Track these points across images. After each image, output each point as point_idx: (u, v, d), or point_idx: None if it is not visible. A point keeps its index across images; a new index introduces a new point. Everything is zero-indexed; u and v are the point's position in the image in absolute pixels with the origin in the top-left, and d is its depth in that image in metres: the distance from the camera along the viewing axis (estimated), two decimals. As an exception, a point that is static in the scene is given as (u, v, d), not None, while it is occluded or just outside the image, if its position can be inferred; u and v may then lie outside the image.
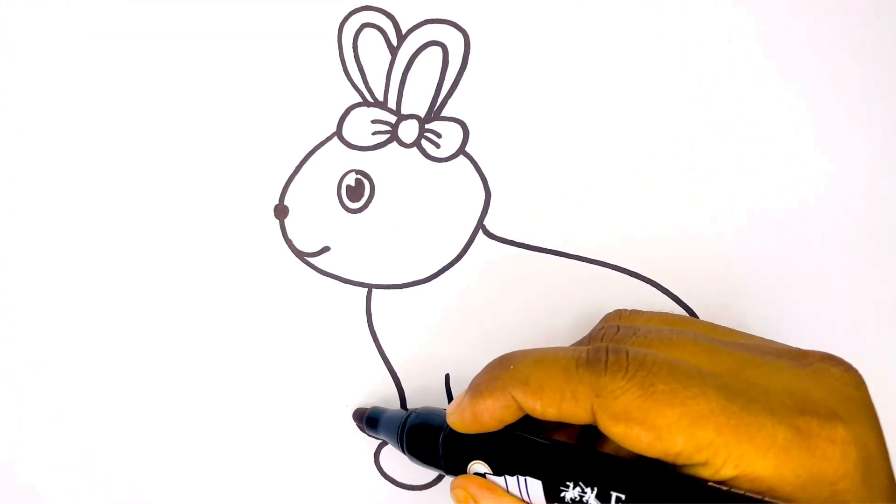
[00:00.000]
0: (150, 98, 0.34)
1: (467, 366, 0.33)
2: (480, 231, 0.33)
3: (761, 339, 0.25)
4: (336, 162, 0.33)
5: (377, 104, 0.33)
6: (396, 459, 0.33)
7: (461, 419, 0.25)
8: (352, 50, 0.33)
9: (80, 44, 0.34)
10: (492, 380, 0.24)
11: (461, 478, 0.25)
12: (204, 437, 0.33)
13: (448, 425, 0.26)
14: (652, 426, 0.21)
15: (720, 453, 0.20)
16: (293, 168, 0.33)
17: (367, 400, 0.33)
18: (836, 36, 0.32)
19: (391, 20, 0.33)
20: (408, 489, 0.33)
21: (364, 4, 0.33)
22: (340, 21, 0.33)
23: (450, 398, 0.33)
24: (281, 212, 0.33)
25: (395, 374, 0.33)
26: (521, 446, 0.24)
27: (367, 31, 0.33)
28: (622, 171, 0.32)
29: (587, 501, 0.22)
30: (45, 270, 0.34)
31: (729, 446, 0.20)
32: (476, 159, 0.33)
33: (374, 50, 0.33)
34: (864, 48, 0.32)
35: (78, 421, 0.34)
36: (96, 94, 0.34)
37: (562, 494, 0.22)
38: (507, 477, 0.24)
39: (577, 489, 0.22)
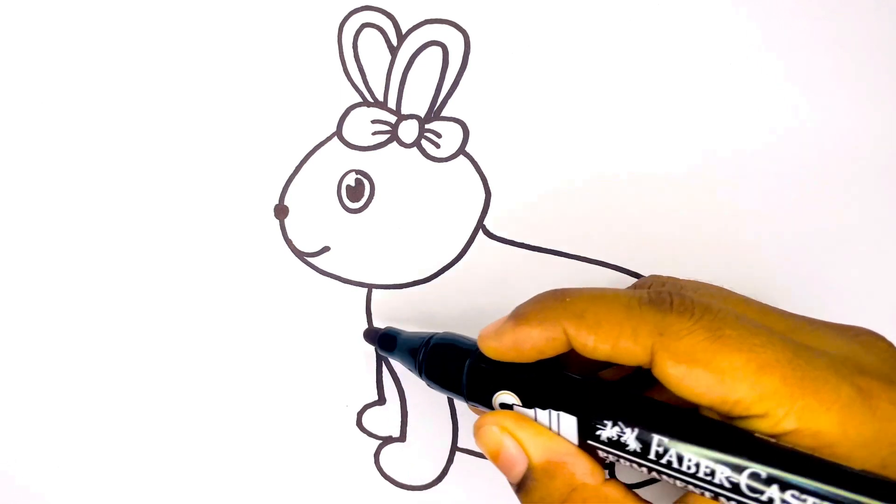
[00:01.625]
0: (150, 98, 0.34)
1: (467, 366, 0.33)
2: (480, 231, 0.33)
3: (802, 316, 0.25)
4: (336, 162, 0.33)
5: (377, 104, 0.33)
6: (396, 459, 0.33)
7: (499, 344, 0.23)
8: (352, 50, 0.33)
9: (80, 44, 0.34)
10: (543, 309, 0.23)
11: (493, 414, 0.23)
12: (204, 438, 0.33)
13: (476, 350, 0.24)
14: (717, 369, 0.20)
15: (783, 404, 0.20)
16: (293, 168, 0.33)
17: (366, 400, 0.33)
18: (839, 35, 0.32)
19: (391, 20, 0.33)
20: (408, 489, 0.33)
21: (364, 4, 0.33)
22: (340, 21, 0.33)
23: (450, 398, 0.33)
24: (281, 212, 0.33)
25: (395, 374, 0.33)
26: (555, 379, 0.23)
27: (367, 31, 0.33)
28: (622, 171, 0.32)
29: (625, 442, 0.21)
30: (44, 271, 0.34)
31: (794, 397, 0.19)
32: (476, 159, 0.33)
33: (374, 50, 0.33)
34: (867, 47, 0.32)
35: (78, 421, 0.34)
36: (96, 94, 0.34)
37: (598, 433, 0.21)
38: (539, 411, 0.23)
39: (616, 428, 0.21)
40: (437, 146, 0.33)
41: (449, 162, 0.33)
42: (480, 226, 0.33)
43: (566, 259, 0.33)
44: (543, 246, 0.33)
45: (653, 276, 0.28)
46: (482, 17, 0.33)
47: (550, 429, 0.22)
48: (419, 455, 0.33)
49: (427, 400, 0.33)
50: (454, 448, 0.33)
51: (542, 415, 0.23)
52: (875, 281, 0.32)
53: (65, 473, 0.34)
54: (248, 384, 0.33)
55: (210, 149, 0.33)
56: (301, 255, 0.33)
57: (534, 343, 0.23)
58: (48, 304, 0.34)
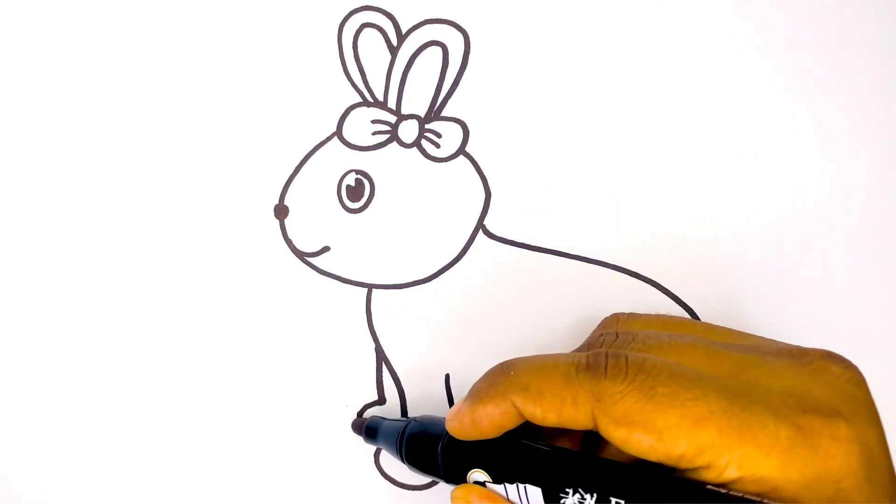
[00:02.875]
0: (150, 98, 0.34)
1: (467, 366, 0.33)
2: (480, 231, 0.33)
3: (761, 338, 0.25)
4: (336, 162, 0.33)
5: (377, 104, 0.33)
6: (396, 459, 0.33)
7: (460, 425, 0.25)
8: (352, 50, 0.33)
9: (79, 44, 0.34)
10: (492, 385, 0.24)
11: (461, 488, 0.25)
12: (204, 438, 0.33)
13: (447, 433, 0.26)
14: (653, 429, 0.21)
15: (723, 454, 0.20)
16: (293, 168, 0.33)
17: (366, 400, 0.33)
18: (837, 37, 0.32)
19: (391, 20, 0.33)
20: (408, 489, 0.33)
21: (364, 4, 0.33)
22: (340, 21, 0.33)
23: (450, 398, 0.33)
24: (281, 212, 0.33)
25: (396, 374, 0.33)
26: (520, 453, 0.24)
27: (367, 31, 0.33)
28: (622, 171, 0.32)
29: None
30: (44, 271, 0.34)
31: (732, 447, 0.20)
32: (476, 159, 0.33)
33: (374, 50, 0.33)
34: (864, 49, 0.32)
35: (78, 422, 0.34)
36: (96, 94, 0.34)
37: (562, 501, 0.22)
38: (507, 485, 0.24)
39: (577, 496, 0.22)
40: (437, 146, 0.33)
41: (449, 162, 0.33)
42: (480, 226, 0.33)
43: (566, 259, 0.33)
44: (543, 246, 0.33)
45: (612, 317, 0.29)
46: (482, 17, 0.33)
47: (520, 501, 0.24)
48: (419, 455, 0.33)
49: (427, 400, 0.33)
50: (454, 448, 0.33)
51: (511, 489, 0.24)
52: (876, 281, 0.32)
53: (65, 473, 0.34)
54: (249, 384, 0.33)
55: (210, 149, 0.33)
56: (301, 255, 0.33)
57: (490, 419, 0.24)
58: (48, 305, 0.34)
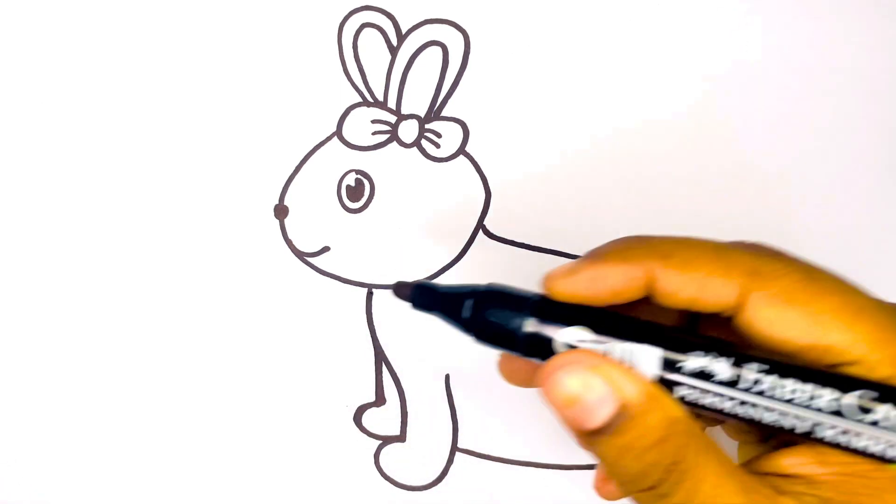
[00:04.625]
0: (150, 98, 0.34)
1: (467, 366, 0.33)
2: (480, 231, 0.33)
3: None
4: (336, 162, 0.33)
5: (377, 104, 0.33)
6: (396, 459, 0.33)
7: (571, 282, 0.21)
8: (352, 50, 0.33)
9: (79, 44, 0.34)
10: (625, 248, 0.22)
11: (568, 354, 0.21)
12: (204, 438, 0.33)
13: (534, 298, 0.22)
14: (812, 311, 0.19)
15: (877, 350, 0.19)
16: (293, 168, 0.33)
17: (366, 400, 0.33)
18: (837, 35, 0.32)
19: (391, 20, 0.33)
20: (408, 489, 0.33)
21: (364, 4, 0.33)
22: (340, 21, 0.33)
23: (450, 398, 0.33)
24: (281, 212, 0.33)
25: (395, 374, 0.33)
26: (631, 315, 0.21)
27: (367, 31, 0.33)
28: (622, 171, 0.32)
29: (713, 372, 0.20)
30: (44, 271, 0.34)
31: (888, 343, 0.19)
32: (476, 159, 0.33)
33: (374, 50, 0.33)
34: (865, 47, 0.32)
35: (77, 421, 0.34)
36: (96, 94, 0.34)
37: (680, 365, 0.20)
38: (616, 344, 0.21)
39: (706, 358, 0.20)
40: (437, 146, 0.33)
41: (449, 162, 0.33)
42: (480, 226, 0.33)
43: (566, 259, 0.32)
44: (543, 246, 0.33)
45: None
46: (482, 17, 0.33)
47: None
48: (419, 455, 0.33)
49: (427, 400, 0.33)
50: (454, 448, 0.33)
51: (618, 349, 0.21)
52: (876, 282, 0.32)
53: (64, 473, 0.34)
54: (249, 384, 0.33)
55: (210, 149, 0.33)
56: (301, 255, 0.33)
57: (612, 284, 0.21)
58: (48, 305, 0.34)
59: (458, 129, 0.33)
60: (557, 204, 0.33)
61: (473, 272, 0.33)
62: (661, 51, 0.32)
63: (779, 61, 0.32)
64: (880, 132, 0.32)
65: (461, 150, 0.33)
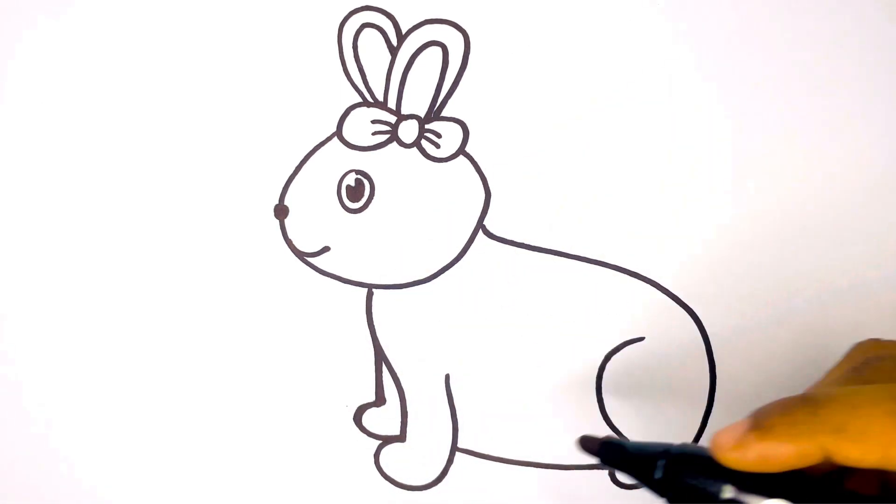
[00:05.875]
0: (150, 98, 0.34)
1: (467, 366, 0.33)
2: (480, 231, 0.33)
3: None
4: (336, 162, 0.33)
5: (377, 104, 0.33)
6: (396, 459, 0.33)
7: (743, 457, 0.22)
8: (352, 50, 0.33)
9: (79, 44, 0.34)
10: (794, 423, 0.21)
11: None
12: (204, 438, 0.33)
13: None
14: None
15: None
16: (293, 168, 0.33)
17: (366, 400, 0.33)
18: (837, 34, 0.32)
19: (391, 20, 0.33)
20: (408, 489, 0.33)
21: (364, 4, 0.33)
22: (340, 21, 0.33)
23: (450, 398, 0.33)
24: (281, 212, 0.33)
25: (395, 374, 0.33)
26: (824, 478, 0.22)
27: (367, 31, 0.33)
28: (622, 171, 0.32)
29: None
30: (44, 271, 0.34)
31: None
32: (476, 159, 0.33)
33: (374, 50, 0.33)
34: (865, 47, 0.32)
35: (76, 421, 0.34)
36: (96, 94, 0.34)
37: None
38: None
39: None
40: (437, 146, 0.33)
41: (449, 162, 0.33)
42: (480, 226, 0.33)
43: (566, 259, 0.32)
44: (543, 246, 0.33)
45: (872, 342, 0.27)
46: (482, 17, 0.33)
47: None
48: (419, 455, 0.33)
49: (427, 400, 0.33)
50: (454, 448, 0.33)
51: None
52: (877, 280, 0.32)
53: (64, 472, 0.34)
54: (248, 384, 0.33)
55: (210, 149, 0.33)
56: (301, 255, 0.33)
57: (783, 461, 0.21)
58: (48, 305, 0.34)
59: (458, 129, 0.33)
60: (557, 204, 0.33)
61: (473, 272, 0.33)
62: (661, 51, 0.32)
63: (780, 60, 0.32)
64: (880, 132, 0.32)
65: (461, 150, 0.33)
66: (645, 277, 0.32)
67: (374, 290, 0.33)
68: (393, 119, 0.33)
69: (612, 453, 0.25)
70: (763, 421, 0.22)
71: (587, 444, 0.26)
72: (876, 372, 0.24)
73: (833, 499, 0.21)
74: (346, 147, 0.33)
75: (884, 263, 0.32)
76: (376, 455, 0.33)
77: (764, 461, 0.21)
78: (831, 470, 0.22)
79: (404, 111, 0.33)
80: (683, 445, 0.24)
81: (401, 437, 0.33)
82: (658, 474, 0.23)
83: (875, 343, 0.26)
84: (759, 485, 0.22)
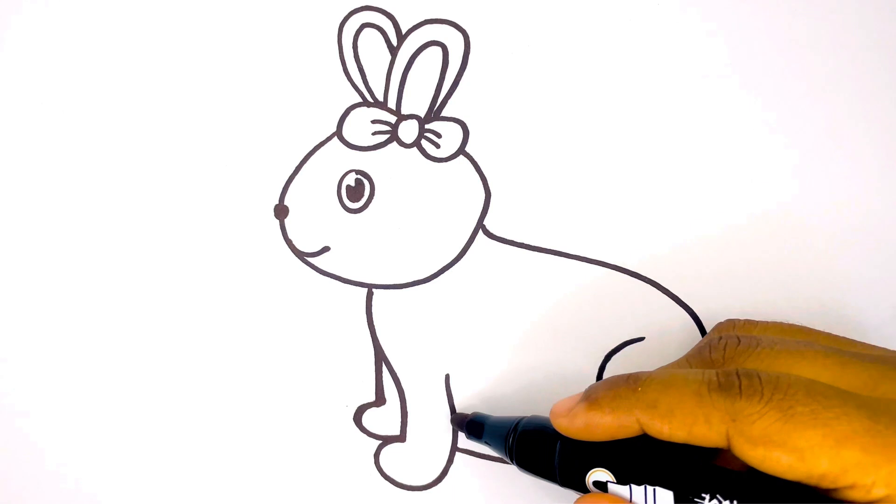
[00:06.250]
0: (150, 98, 0.34)
1: (467, 366, 0.33)
2: (480, 231, 0.33)
3: (883, 349, 0.25)
4: (336, 162, 0.33)
5: (377, 104, 0.33)
6: (396, 459, 0.33)
7: (570, 424, 0.24)
8: (352, 50, 0.33)
9: (80, 44, 0.34)
10: (615, 397, 0.24)
11: (588, 498, 0.24)
12: (204, 438, 0.33)
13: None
14: (793, 448, 0.20)
15: (868, 474, 0.20)
16: (293, 168, 0.33)
17: (366, 400, 0.33)
18: (837, 36, 0.32)
19: (391, 20, 0.33)
20: (408, 489, 0.33)
21: (364, 4, 0.33)
22: (340, 21, 0.33)
23: (450, 398, 0.33)
24: (281, 212, 0.33)
25: (395, 374, 0.33)
26: (650, 453, 0.24)
27: (367, 31, 0.33)
28: (622, 171, 0.32)
29: None
30: (44, 272, 0.34)
31: (878, 466, 0.20)
32: (476, 159, 0.33)
33: (374, 50, 0.33)
34: (864, 48, 0.32)
35: (76, 421, 0.34)
36: (96, 94, 0.34)
37: None
38: (634, 487, 0.23)
39: (714, 502, 0.22)
40: (437, 146, 0.33)
41: (449, 162, 0.33)
42: (480, 226, 0.33)
43: (566, 259, 0.33)
44: (543, 246, 0.33)
45: (727, 322, 0.28)
46: (482, 17, 0.33)
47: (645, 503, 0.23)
48: (419, 455, 0.33)
49: (427, 400, 0.33)
50: (454, 448, 0.33)
51: (637, 491, 0.23)
52: (877, 281, 0.32)
53: (64, 472, 0.34)
54: (248, 384, 0.33)
55: (210, 149, 0.33)
56: (301, 255, 0.33)
57: (605, 428, 0.24)
58: (48, 305, 0.34)
59: (458, 129, 0.33)
60: (557, 204, 0.33)
61: (473, 272, 0.33)
62: (661, 50, 0.32)
63: (779, 61, 0.32)
64: (880, 132, 0.32)
65: (461, 150, 0.33)
66: (645, 277, 0.32)
67: (374, 290, 0.33)
68: (393, 119, 0.33)
69: (475, 428, 0.29)
70: (592, 394, 0.24)
71: (457, 420, 0.31)
72: (715, 351, 0.25)
73: (648, 471, 0.23)
74: (346, 147, 0.33)
75: (884, 263, 0.32)
76: (376, 455, 0.33)
77: (589, 429, 0.24)
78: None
79: (404, 111, 0.33)
80: (531, 418, 0.27)
81: (401, 437, 0.33)
82: (510, 444, 0.27)
83: (729, 323, 0.28)
84: (587, 455, 0.25)
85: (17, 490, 0.34)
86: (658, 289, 0.32)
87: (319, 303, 0.33)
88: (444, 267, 0.33)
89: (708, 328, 0.32)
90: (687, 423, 0.22)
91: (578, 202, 0.33)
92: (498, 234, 0.33)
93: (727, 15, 0.32)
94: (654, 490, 0.23)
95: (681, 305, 0.32)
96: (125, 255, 0.34)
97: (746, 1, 0.32)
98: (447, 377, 0.33)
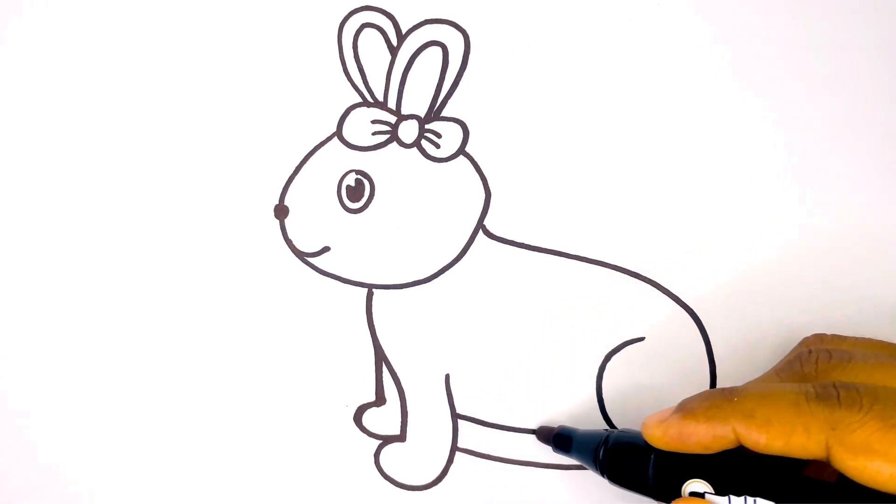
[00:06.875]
0: (150, 98, 0.34)
1: (467, 366, 0.33)
2: (480, 231, 0.33)
3: None
4: (336, 162, 0.33)
5: (377, 104, 0.33)
6: (396, 459, 0.33)
7: (664, 436, 0.24)
8: (352, 50, 0.33)
9: (80, 44, 0.34)
10: (711, 407, 0.24)
11: (686, 500, 0.24)
12: (204, 438, 0.33)
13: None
14: (894, 459, 0.20)
15: None
16: (293, 168, 0.33)
17: (366, 400, 0.33)
18: (838, 36, 0.32)
19: (391, 20, 0.33)
20: (408, 489, 0.33)
21: (364, 4, 0.33)
22: (340, 21, 0.33)
23: (450, 398, 0.33)
24: (281, 212, 0.33)
25: (395, 374, 0.33)
26: (745, 465, 0.24)
27: (367, 31, 0.33)
28: (622, 171, 0.32)
29: None
30: (44, 272, 0.34)
31: None
32: (476, 159, 0.33)
33: (374, 50, 0.33)
34: (865, 48, 0.32)
35: (76, 421, 0.34)
36: (97, 94, 0.34)
37: None
38: (733, 498, 0.23)
39: None
40: (437, 146, 0.33)
41: (449, 162, 0.33)
42: (480, 226, 0.33)
43: (566, 259, 0.32)
44: (543, 246, 0.33)
45: (815, 337, 0.29)
46: (482, 17, 0.33)
47: None
48: (419, 455, 0.33)
49: (427, 400, 0.33)
50: (454, 448, 0.33)
51: (737, 502, 0.23)
52: (877, 282, 0.32)
53: (63, 472, 0.34)
54: (248, 384, 0.33)
55: (210, 149, 0.33)
56: (301, 255, 0.33)
57: (699, 439, 0.24)
58: (48, 305, 0.34)
59: (458, 129, 0.33)
60: (557, 204, 0.33)
61: (473, 272, 0.33)
62: (661, 51, 0.32)
63: (780, 61, 0.32)
64: (880, 132, 0.32)
65: (461, 150, 0.33)
66: (645, 277, 0.32)
67: (374, 290, 0.33)
68: (393, 119, 0.33)
69: (563, 442, 0.29)
70: (687, 405, 0.25)
71: (543, 433, 0.31)
72: (806, 364, 0.25)
73: (745, 481, 0.23)
74: (346, 147, 0.33)
75: (884, 263, 0.32)
76: (376, 455, 0.33)
77: (683, 439, 0.24)
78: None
79: (404, 111, 0.33)
80: (620, 431, 0.28)
81: (401, 437, 0.33)
82: (600, 458, 0.27)
83: (817, 338, 0.28)
84: (683, 466, 0.25)
85: (17, 490, 0.34)
86: (658, 289, 0.32)
87: (319, 303, 0.33)
88: (444, 267, 0.33)
89: (708, 328, 0.32)
90: (785, 433, 0.22)
91: (578, 202, 0.33)
92: (498, 234, 0.33)
93: (728, 15, 0.32)
94: (755, 501, 0.23)
95: (681, 305, 0.32)
96: (125, 255, 0.34)
97: (747, 1, 0.32)
98: (447, 377, 0.33)
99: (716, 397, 0.24)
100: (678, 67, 0.32)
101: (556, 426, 0.31)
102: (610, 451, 0.27)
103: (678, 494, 0.25)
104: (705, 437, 0.23)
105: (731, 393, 0.24)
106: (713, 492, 0.24)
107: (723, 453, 0.24)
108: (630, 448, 0.26)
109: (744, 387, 0.24)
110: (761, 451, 0.23)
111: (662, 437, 0.24)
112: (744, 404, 0.23)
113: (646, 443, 0.25)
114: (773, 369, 0.27)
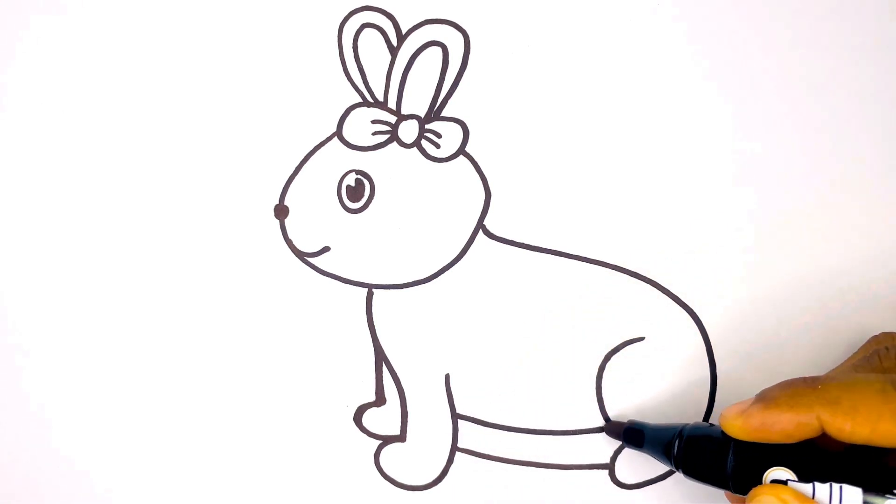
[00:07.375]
0: (150, 98, 0.34)
1: (467, 366, 0.33)
2: (480, 231, 0.33)
3: None
4: (336, 162, 0.33)
5: (377, 104, 0.33)
6: (396, 459, 0.33)
7: (745, 424, 0.24)
8: (352, 50, 0.33)
9: (80, 44, 0.34)
10: (794, 395, 0.24)
11: (770, 487, 0.24)
12: (204, 438, 0.33)
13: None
14: None
15: None
16: (293, 168, 0.33)
17: (366, 400, 0.33)
18: (838, 36, 0.32)
19: (391, 20, 0.33)
20: (408, 489, 0.33)
21: (364, 4, 0.33)
22: (340, 21, 0.33)
23: (450, 398, 0.33)
24: (281, 212, 0.33)
25: (396, 374, 0.33)
26: (828, 452, 0.24)
27: (367, 31, 0.33)
28: (622, 171, 0.32)
29: None
30: (45, 271, 0.34)
31: None
32: (476, 159, 0.33)
33: (374, 50, 0.33)
34: (865, 49, 0.32)
35: (76, 421, 0.34)
36: (97, 94, 0.34)
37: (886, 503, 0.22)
38: (818, 484, 0.23)
39: None
40: (437, 146, 0.33)
41: (449, 162, 0.33)
42: (480, 226, 0.33)
43: (566, 259, 0.32)
44: (543, 246, 0.33)
45: (885, 335, 0.29)
46: (482, 17, 0.33)
47: (829, 502, 0.23)
48: (419, 455, 0.33)
49: (427, 400, 0.33)
50: (454, 448, 0.33)
51: (822, 488, 0.23)
52: (877, 282, 0.32)
53: (64, 472, 0.34)
54: (249, 384, 0.33)
55: (210, 149, 0.33)
56: (301, 255, 0.33)
57: (783, 427, 0.24)
58: (48, 305, 0.34)
59: (458, 129, 0.33)
60: (557, 204, 0.33)
61: (473, 272, 0.33)
62: (661, 51, 0.32)
63: (779, 61, 0.32)
64: (880, 132, 0.32)
65: (461, 150, 0.33)
66: (645, 277, 0.32)
67: (374, 290, 0.33)
68: (393, 119, 0.33)
69: (634, 436, 0.29)
70: (768, 395, 0.24)
71: (612, 428, 0.31)
72: (886, 360, 0.25)
73: (830, 469, 0.23)
74: (346, 147, 0.33)
75: (884, 263, 0.32)
76: (376, 455, 0.33)
77: (765, 429, 0.24)
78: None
79: (404, 111, 0.33)
80: (695, 425, 0.27)
81: (401, 437, 0.33)
82: (675, 452, 0.27)
83: (888, 335, 0.28)
84: (764, 456, 0.24)
85: (16, 489, 0.34)
86: (658, 289, 0.32)
87: (319, 303, 0.33)
88: (444, 267, 0.33)
89: (708, 328, 0.32)
90: (871, 420, 0.22)
91: (578, 202, 0.33)
92: (498, 234, 0.33)
93: (728, 15, 0.32)
94: (841, 487, 0.23)
95: (681, 305, 0.32)
96: (126, 255, 0.34)
97: (747, 1, 0.32)
98: (447, 377, 0.33)
99: (798, 385, 0.24)
100: (678, 68, 0.32)
101: (625, 421, 0.31)
102: (686, 443, 0.27)
103: (757, 484, 0.24)
104: (788, 425, 0.23)
105: (814, 381, 0.24)
106: (796, 479, 0.24)
107: (801, 443, 0.24)
108: (706, 440, 0.26)
109: (827, 375, 0.24)
110: (845, 440, 0.22)
111: (743, 426, 0.24)
112: (829, 392, 0.23)
113: (722, 434, 0.25)
114: (848, 364, 0.27)
